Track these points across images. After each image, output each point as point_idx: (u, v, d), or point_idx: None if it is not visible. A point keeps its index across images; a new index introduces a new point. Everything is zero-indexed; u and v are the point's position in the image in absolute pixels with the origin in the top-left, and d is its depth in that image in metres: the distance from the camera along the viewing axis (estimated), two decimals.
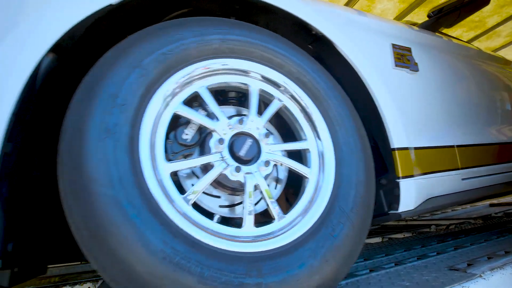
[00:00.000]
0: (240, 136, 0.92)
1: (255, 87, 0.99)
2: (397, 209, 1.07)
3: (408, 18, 5.85)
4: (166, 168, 0.78)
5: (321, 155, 1.00)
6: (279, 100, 1.02)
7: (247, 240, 0.79)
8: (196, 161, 0.85)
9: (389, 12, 5.79)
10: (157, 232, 0.65)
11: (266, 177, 0.93)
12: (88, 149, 0.65)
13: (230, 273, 0.68)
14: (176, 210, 0.73)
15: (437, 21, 1.81)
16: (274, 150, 0.97)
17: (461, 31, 6.44)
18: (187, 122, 0.95)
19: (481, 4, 1.76)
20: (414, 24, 1.93)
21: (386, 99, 1.16)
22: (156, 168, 0.76)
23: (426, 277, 1.02)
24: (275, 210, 0.89)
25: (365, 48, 1.22)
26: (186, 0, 1.10)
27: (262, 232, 0.84)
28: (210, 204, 0.97)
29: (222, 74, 0.96)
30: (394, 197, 1.09)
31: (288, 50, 1.04)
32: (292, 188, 1.21)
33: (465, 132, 1.44)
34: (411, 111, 1.24)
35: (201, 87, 0.91)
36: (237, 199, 1.02)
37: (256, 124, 0.96)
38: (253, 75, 1.00)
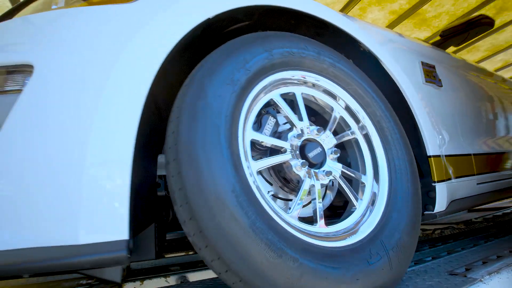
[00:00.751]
0: (313, 142, 1.03)
1: (337, 112, 1.13)
2: (432, 210, 1.22)
3: (396, 29, 6.11)
4: (250, 134, 0.93)
5: (374, 195, 1.06)
6: (352, 133, 1.14)
7: (290, 224, 0.85)
8: (274, 141, 0.98)
9: (379, 22, 6.03)
10: (234, 169, 0.75)
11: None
12: (214, 84, 0.82)
13: (275, 236, 0.74)
14: (247, 166, 0.84)
15: (447, 41, 2.01)
16: (335, 167, 1.06)
17: None
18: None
19: (486, 27, 1.97)
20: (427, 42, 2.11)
21: (422, 111, 1.30)
22: (245, 129, 0.90)
23: (429, 282, 1.01)
24: (320, 215, 0.95)
25: (402, 65, 1.37)
26: (250, 15, 1.20)
27: (303, 226, 0.89)
28: (262, 185, 1.06)
29: (312, 88, 1.11)
30: (429, 199, 1.24)
31: (378, 95, 1.19)
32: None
33: (479, 141, 1.62)
34: (439, 122, 1.40)
35: (297, 91, 1.08)
36: (280, 193, 1.09)
37: (329, 140, 1.07)
38: (340, 102, 1.15)
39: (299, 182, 1.00)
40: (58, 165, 0.65)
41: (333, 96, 1.14)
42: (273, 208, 0.85)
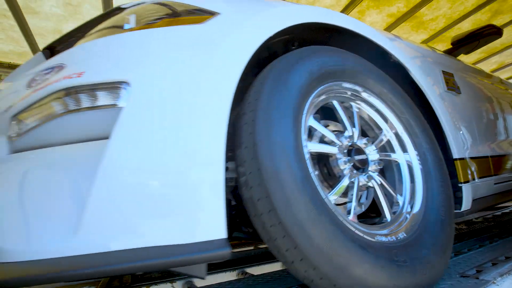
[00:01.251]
0: (359, 149, 1.12)
1: (385, 135, 1.23)
2: (460, 209, 1.32)
3: (394, 31, 6.16)
4: (310, 119, 1.05)
5: (406, 218, 1.09)
6: (395, 157, 1.21)
7: (329, 199, 0.92)
8: (327, 132, 1.08)
9: (377, 24, 6.06)
10: (296, 134, 0.87)
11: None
12: (298, 68, 1.00)
13: (318, 199, 0.81)
14: (304, 139, 0.94)
15: (459, 49, 2.12)
16: (375, 177, 1.12)
17: (442, 46, 7.00)
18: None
19: (495, 36, 2.09)
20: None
21: (447, 117, 1.40)
22: (308, 113, 1.02)
23: (442, 285, 0.99)
24: (353, 212, 1.01)
25: (427, 74, 1.47)
26: (290, 31, 1.28)
27: (339, 210, 0.93)
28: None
29: (364, 103, 1.22)
30: (457, 199, 1.33)
31: (425, 128, 1.28)
32: None
33: (493, 144, 1.74)
34: (461, 127, 1.51)
35: (352, 102, 1.21)
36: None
37: (373, 153, 1.16)
38: (390, 126, 1.25)
39: (340, 177, 1.07)
40: (169, 169, 0.71)
41: (384, 118, 1.25)
42: (319, 187, 0.91)
